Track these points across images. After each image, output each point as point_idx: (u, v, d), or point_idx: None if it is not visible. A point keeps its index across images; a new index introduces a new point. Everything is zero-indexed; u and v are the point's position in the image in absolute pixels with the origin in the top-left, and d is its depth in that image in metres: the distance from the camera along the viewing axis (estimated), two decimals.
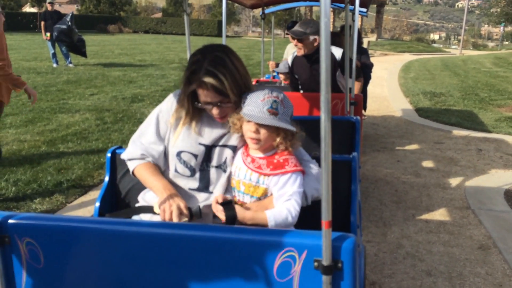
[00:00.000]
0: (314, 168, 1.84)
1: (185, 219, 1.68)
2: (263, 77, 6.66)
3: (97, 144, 5.65)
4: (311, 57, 3.98)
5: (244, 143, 1.85)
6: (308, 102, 3.79)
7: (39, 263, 1.47)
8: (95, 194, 4.15)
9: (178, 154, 1.87)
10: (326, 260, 1.22)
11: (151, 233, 1.41)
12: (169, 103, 1.94)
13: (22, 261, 1.48)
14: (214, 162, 1.87)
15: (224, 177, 1.86)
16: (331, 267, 1.22)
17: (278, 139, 1.73)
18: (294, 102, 3.92)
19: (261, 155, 1.77)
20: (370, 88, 4.83)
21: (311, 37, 3.83)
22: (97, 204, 2.13)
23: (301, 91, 4.35)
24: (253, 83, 5.40)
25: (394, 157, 5.57)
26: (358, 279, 1.29)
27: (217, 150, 1.87)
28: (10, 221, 1.46)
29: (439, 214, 3.90)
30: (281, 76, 5.22)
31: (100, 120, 6.90)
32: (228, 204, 1.69)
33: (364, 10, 7.21)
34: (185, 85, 1.80)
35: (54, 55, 13.26)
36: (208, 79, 1.71)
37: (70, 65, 13.31)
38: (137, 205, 2.04)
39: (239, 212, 1.68)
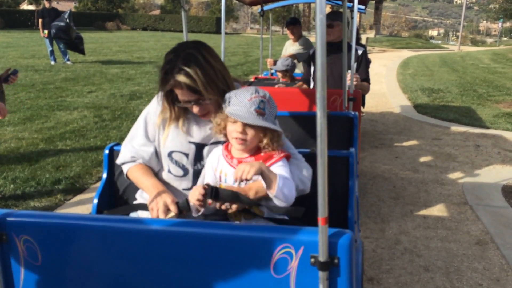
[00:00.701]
0: (300, 160, 1.83)
1: (172, 214, 1.66)
2: (262, 74, 6.65)
3: (95, 142, 5.65)
4: (333, 46, 4.01)
5: None
6: (307, 98, 3.79)
7: (37, 261, 1.47)
8: (93, 192, 4.15)
9: (169, 154, 1.87)
10: (322, 256, 1.22)
11: (149, 230, 1.41)
12: (155, 104, 1.93)
13: (20, 258, 1.48)
14: (206, 161, 1.86)
15: None
16: (328, 263, 1.22)
17: (265, 140, 1.71)
18: (292, 97, 3.94)
19: (246, 154, 1.74)
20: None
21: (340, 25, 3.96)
22: (95, 201, 2.13)
23: (312, 86, 4.36)
24: (252, 80, 5.41)
25: (392, 153, 5.58)
26: (355, 275, 1.29)
27: (208, 148, 1.86)
28: (8, 218, 1.46)
29: (437, 210, 3.91)
30: (279, 74, 5.20)
31: (98, 118, 6.89)
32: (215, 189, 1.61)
33: (363, 7, 7.20)
34: (161, 86, 1.78)
35: (52, 52, 13.23)
36: (181, 78, 1.69)
37: (68, 62, 13.28)
38: (135, 202, 2.05)
39: (240, 188, 1.64)
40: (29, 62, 13.40)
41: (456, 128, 6.89)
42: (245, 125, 1.67)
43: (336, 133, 3.05)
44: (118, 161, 1.98)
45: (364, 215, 3.76)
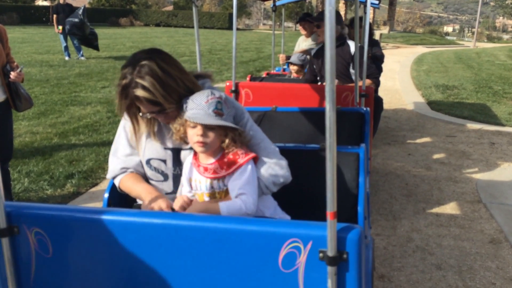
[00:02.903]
0: (272, 154, 1.80)
1: None
2: (274, 69, 6.64)
3: (108, 137, 5.69)
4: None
5: None
6: (317, 94, 3.77)
7: (48, 253, 1.49)
8: (105, 186, 4.18)
9: (148, 162, 1.87)
10: (331, 251, 1.21)
11: (158, 224, 1.42)
12: None
13: (31, 251, 1.50)
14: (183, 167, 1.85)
15: None
16: (336, 258, 1.22)
17: (227, 140, 1.69)
18: (303, 93, 3.92)
19: (211, 160, 1.73)
20: (381, 80, 4.78)
21: None
22: (106, 195, 2.14)
23: (320, 83, 4.34)
24: (264, 75, 5.40)
25: (405, 150, 5.53)
26: (364, 271, 1.28)
27: (185, 153, 1.84)
28: (19, 211, 1.48)
29: (450, 208, 3.86)
30: (293, 69, 5.17)
31: (111, 113, 6.94)
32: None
33: (376, 2, 7.13)
34: (120, 100, 1.73)
35: (66, 48, 13.35)
36: (139, 92, 1.65)
37: (82, 58, 13.39)
38: (136, 203, 2.04)
39: (193, 205, 1.65)
40: (44, 57, 13.54)
41: (471, 125, 6.80)
42: (205, 127, 1.65)
43: (347, 129, 3.03)
44: (109, 175, 1.95)
45: (375, 212, 3.73)
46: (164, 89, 1.65)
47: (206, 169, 1.72)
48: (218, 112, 1.65)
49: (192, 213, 1.63)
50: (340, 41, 4.14)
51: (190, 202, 1.65)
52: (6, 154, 3.31)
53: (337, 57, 4.03)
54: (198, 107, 1.65)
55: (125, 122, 1.92)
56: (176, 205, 1.64)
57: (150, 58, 1.68)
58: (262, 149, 1.80)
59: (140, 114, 1.76)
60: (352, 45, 3.96)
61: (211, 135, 1.67)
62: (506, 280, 2.81)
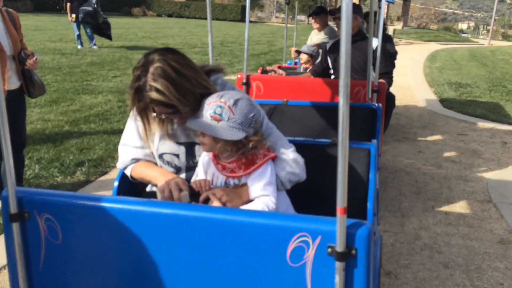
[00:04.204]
0: (289, 152, 1.78)
1: (185, 193, 1.64)
2: (285, 63, 6.61)
3: (118, 126, 5.72)
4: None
5: None
6: (329, 88, 3.75)
7: (57, 239, 1.50)
8: (115, 174, 4.21)
9: (160, 156, 1.86)
10: (340, 247, 1.21)
11: (168, 214, 1.42)
12: None
13: (41, 236, 1.51)
14: (199, 158, 1.84)
15: None
16: (345, 253, 1.21)
17: (234, 148, 1.65)
18: (314, 88, 3.90)
19: (230, 159, 1.70)
20: (394, 77, 4.73)
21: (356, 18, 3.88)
22: (116, 183, 2.15)
23: (332, 77, 4.31)
24: (275, 68, 5.38)
25: (416, 147, 5.48)
26: (372, 267, 1.27)
27: (199, 146, 1.82)
28: (30, 197, 1.49)
29: (459, 207, 3.83)
30: (302, 58, 5.14)
31: (122, 102, 6.97)
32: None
33: None
34: (133, 102, 1.71)
35: (79, 36, 13.39)
36: (154, 95, 1.62)
37: (94, 47, 13.44)
38: (148, 189, 2.04)
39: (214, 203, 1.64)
40: (57, 45, 13.61)
41: (483, 124, 6.72)
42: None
43: (358, 124, 3.01)
44: (119, 165, 1.94)
45: (384, 209, 3.71)
46: (178, 91, 1.62)
47: (224, 168, 1.71)
48: (215, 117, 1.59)
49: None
50: (361, 36, 4.10)
51: (208, 184, 1.66)
52: (20, 141, 3.34)
53: (357, 52, 3.99)
54: (202, 108, 1.64)
55: (135, 118, 1.90)
56: (196, 183, 1.66)
57: (163, 60, 1.64)
58: (280, 146, 1.79)
59: (154, 114, 1.74)
60: (374, 40, 3.94)
61: (206, 138, 1.65)
62: None
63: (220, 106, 1.59)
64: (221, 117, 1.59)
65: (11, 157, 1.36)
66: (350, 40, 1.07)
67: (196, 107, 1.68)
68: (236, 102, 1.60)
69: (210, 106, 1.61)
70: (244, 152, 1.66)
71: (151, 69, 1.62)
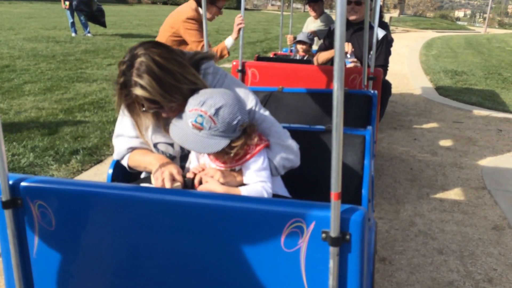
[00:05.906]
0: (283, 138, 1.78)
1: (178, 184, 1.63)
2: (281, 50, 6.57)
3: (113, 114, 5.68)
4: (356, 25, 3.95)
5: None
6: (324, 75, 3.73)
7: (51, 226, 1.50)
8: (110, 163, 4.19)
9: (155, 145, 1.85)
10: (334, 232, 1.21)
11: (162, 199, 1.42)
12: None
13: (34, 223, 1.50)
14: None
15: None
16: (339, 238, 1.21)
17: (219, 154, 1.64)
18: (310, 74, 3.88)
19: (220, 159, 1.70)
20: (389, 64, 4.72)
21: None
22: (110, 171, 2.14)
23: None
24: (271, 56, 5.34)
25: (411, 135, 5.49)
26: (366, 253, 1.28)
27: None
28: (22, 183, 1.48)
29: (454, 194, 3.85)
30: (300, 47, 5.09)
31: None
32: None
33: None
34: (119, 98, 1.68)
35: (72, 24, 13.27)
36: (139, 92, 1.58)
37: (89, 34, 13.33)
38: (142, 176, 2.03)
39: (211, 185, 1.63)
40: (50, 33, 13.48)
41: (479, 111, 6.73)
42: None
43: (354, 111, 3.01)
44: (116, 156, 1.92)
45: (379, 196, 3.72)
46: (162, 87, 1.57)
47: (216, 159, 1.70)
48: (196, 126, 1.54)
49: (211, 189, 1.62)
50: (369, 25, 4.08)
51: (202, 169, 1.67)
52: None
53: (362, 40, 3.94)
54: (184, 112, 1.59)
55: (123, 111, 1.87)
56: (191, 170, 1.67)
57: (147, 54, 1.58)
58: (274, 132, 1.78)
59: (143, 109, 1.71)
60: (380, 31, 3.92)
61: None
62: (508, 266, 2.81)
63: (201, 116, 1.53)
64: (202, 127, 1.53)
65: (2, 143, 1.35)
66: (344, 23, 1.06)
67: (183, 103, 1.63)
68: (217, 111, 1.53)
69: (191, 114, 1.55)
70: (232, 154, 1.63)
71: (136, 64, 1.57)
